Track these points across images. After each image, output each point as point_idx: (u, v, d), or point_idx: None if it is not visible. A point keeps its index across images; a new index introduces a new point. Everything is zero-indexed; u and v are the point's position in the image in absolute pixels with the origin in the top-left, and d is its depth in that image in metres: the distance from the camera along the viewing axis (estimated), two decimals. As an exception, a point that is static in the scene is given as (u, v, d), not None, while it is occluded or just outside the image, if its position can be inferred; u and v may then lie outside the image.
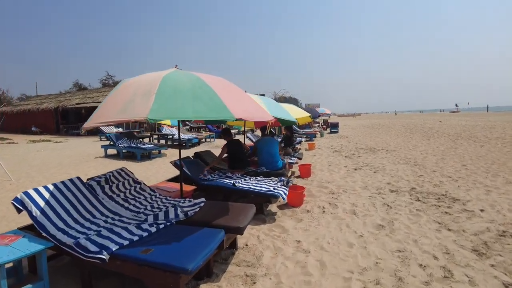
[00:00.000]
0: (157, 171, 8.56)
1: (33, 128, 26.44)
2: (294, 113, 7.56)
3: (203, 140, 16.51)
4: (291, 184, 5.55)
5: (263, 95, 37.17)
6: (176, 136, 14.46)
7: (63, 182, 3.60)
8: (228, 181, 4.90)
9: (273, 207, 5.01)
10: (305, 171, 7.29)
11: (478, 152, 10.22)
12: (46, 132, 26.74)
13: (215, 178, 5.08)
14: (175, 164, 5.27)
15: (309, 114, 8.23)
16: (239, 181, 4.89)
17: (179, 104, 2.76)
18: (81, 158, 11.30)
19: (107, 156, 11.53)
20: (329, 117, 64.34)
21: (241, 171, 5.66)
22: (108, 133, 15.22)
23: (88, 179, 4.04)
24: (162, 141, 15.11)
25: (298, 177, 7.34)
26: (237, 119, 2.84)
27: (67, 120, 28.56)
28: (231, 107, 2.87)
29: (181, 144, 14.04)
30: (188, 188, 4.76)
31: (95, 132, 22.07)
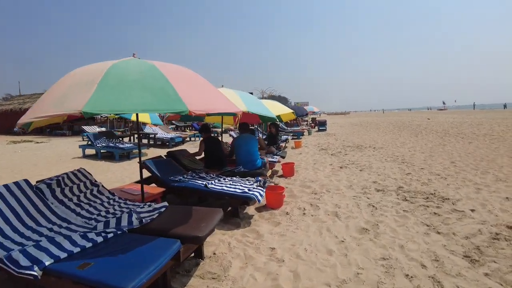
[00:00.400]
0: (134, 172, 8.09)
1: (15, 129, 25.47)
2: (277, 110, 7.19)
3: (188, 139, 16.03)
4: (270, 184, 5.17)
5: (251, 93, 36.84)
6: (159, 135, 13.96)
7: (5, 186, 3.15)
8: (200, 182, 4.48)
9: (250, 210, 4.61)
10: (288, 170, 6.92)
11: (466, 149, 10.00)
12: (30, 133, 25.81)
13: (186, 179, 4.65)
14: (142, 164, 4.83)
15: (292, 111, 7.87)
16: (213, 181, 4.48)
17: (122, 96, 2.36)
18: (58, 158, 10.74)
19: (85, 156, 10.99)
20: (319, 115, 64.55)
21: (217, 171, 5.26)
22: (85, 132, 14.61)
23: (37, 182, 3.59)
24: (145, 141, 14.59)
25: (281, 176, 6.97)
26: (193, 112, 2.43)
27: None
28: (186, 99, 2.46)
29: (164, 143, 13.64)
30: (155, 190, 4.33)
31: (78, 132, 21.38)
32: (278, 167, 7.46)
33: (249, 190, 4.08)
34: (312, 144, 13.50)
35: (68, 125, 24.90)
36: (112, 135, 12.07)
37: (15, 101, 32.80)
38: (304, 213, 4.41)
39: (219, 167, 5.34)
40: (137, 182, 4.99)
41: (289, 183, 6.32)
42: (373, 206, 4.64)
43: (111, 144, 10.76)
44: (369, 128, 23.08)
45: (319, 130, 22.46)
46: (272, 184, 5.56)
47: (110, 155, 10.68)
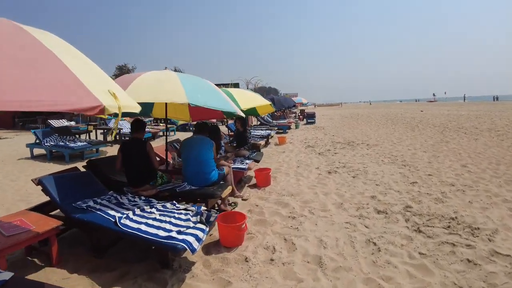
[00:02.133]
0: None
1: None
2: (249, 101, 5.64)
3: (160, 133, 14.36)
4: (226, 210, 3.69)
5: (237, 84, 34.91)
6: (125, 130, 12.26)
7: None
8: (114, 212, 2.94)
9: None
10: (263, 179, 5.42)
11: (474, 148, 8.63)
12: (2, 127, 23.58)
13: (96, 206, 3.09)
14: (38, 183, 3.26)
15: (269, 103, 6.32)
16: (132, 213, 2.92)
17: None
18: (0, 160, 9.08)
19: (33, 157, 9.31)
20: (314, 106, 62.83)
21: (151, 188, 3.70)
22: (33, 129, 12.79)
23: None
24: (109, 137, 12.88)
25: (254, 186, 5.49)
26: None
27: (27, 113, 25.30)
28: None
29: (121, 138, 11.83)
30: (44, 225, 2.78)
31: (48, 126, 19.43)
32: (250, 173, 5.95)
33: (179, 232, 2.54)
34: (298, 140, 12.01)
35: (43, 119, 22.59)
36: (67, 131, 10.34)
37: None
38: (271, 259, 2.91)
39: (141, 184, 3.74)
40: (32, 209, 3.43)
41: (262, 197, 4.84)
42: (374, 243, 3.17)
43: (60, 143, 9.07)
44: (360, 121, 21.70)
45: (307, 123, 20.98)
46: (230, 209, 4.08)
47: (62, 156, 9.03)
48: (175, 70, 68.09)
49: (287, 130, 15.59)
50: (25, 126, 23.05)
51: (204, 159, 3.81)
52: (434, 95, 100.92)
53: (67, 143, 9.10)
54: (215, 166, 3.93)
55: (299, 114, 27.53)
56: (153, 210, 2.99)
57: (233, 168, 5.06)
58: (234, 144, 6.47)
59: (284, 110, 23.77)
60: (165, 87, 3.20)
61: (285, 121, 18.48)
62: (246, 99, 5.60)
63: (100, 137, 12.68)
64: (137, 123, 3.80)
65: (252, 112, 6.86)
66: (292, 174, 6.34)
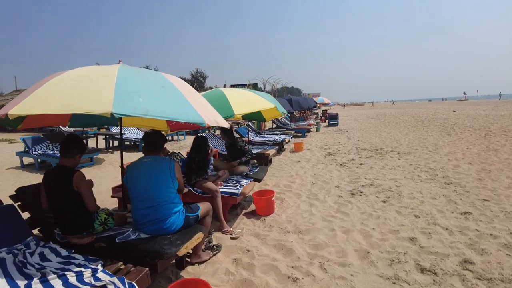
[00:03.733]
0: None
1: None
2: (242, 105, 4.39)
3: (169, 138, 13.40)
4: (213, 255, 2.52)
5: (256, 84, 33.58)
6: (128, 136, 11.32)
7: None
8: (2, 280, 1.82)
9: None
10: (263, 206, 4.20)
11: (533, 158, 7.04)
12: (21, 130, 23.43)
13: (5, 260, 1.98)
14: None
15: (273, 105, 5.02)
16: (29, 284, 1.79)
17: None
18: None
19: (23, 166, 8.50)
20: (332, 106, 60.54)
21: (90, 238, 2.53)
22: (21, 136, 12.01)
23: None
24: (115, 142, 12.00)
25: (252, 213, 4.28)
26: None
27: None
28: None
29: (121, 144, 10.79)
30: None
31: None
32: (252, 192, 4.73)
33: None
34: (317, 146, 10.66)
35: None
36: (60, 138, 9.47)
37: (10, 97, 30.79)
38: None
39: (76, 232, 2.57)
40: None
41: (259, 233, 3.63)
42: None
43: (49, 152, 8.20)
44: (387, 122, 19.97)
45: (329, 125, 19.48)
46: (206, 258, 2.91)
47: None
48: (197, 72, 66.28)
49: (306, 134, 14.24)
50: (42, 130, 22.76)
51: (157, 196, 2.55)
52: (465, 93, 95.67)
53: (56, 151, 8.21)
54: (179, 204, 2.67)
55: (321, 115, 26.02)
56: (58, 283, 1.84)
57: (222, 192, 3.87)
58: (227, 159, 5.23)
59: (305, 111, 22.35)
60: (88, 90, 2.04)
61: (305, 123, 17.10)
62: (244, 102, 4.38)
63: (102, 144, 11.79)
64: (67, 141, 2.59)
65: (255, 116, 5.67)
66: (304, 195, 5.08)
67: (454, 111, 27.75)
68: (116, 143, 12.03)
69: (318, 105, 31.21)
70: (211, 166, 4.37)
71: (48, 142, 8.97)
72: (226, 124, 2.78)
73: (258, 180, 4.68)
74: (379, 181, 5.76)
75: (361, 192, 5.12)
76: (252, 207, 4.49)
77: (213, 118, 2.51)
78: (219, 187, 3.98)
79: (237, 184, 4.13)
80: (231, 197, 3.85)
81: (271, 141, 9.27)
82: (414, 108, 41.00)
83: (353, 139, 12.13)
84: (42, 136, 9.17)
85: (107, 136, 11.49)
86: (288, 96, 16.21)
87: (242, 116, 5.89)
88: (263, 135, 10.58)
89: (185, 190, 3.88)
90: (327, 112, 25.20)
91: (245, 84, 30.65)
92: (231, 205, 4.03)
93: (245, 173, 4.66)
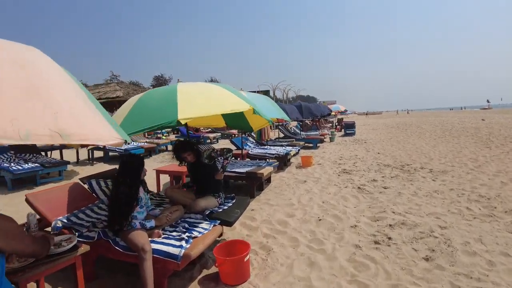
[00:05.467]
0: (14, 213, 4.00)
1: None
2: (195, 104, 2.80)
3: (163, 148, 11.89)
4: None
5: (268, 91, 32.05)
6: (108, 146, 9.85)
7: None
8: None
9: None
10: (231, 271, 2.57)
11: None
12: None
13: None
14: None
15: (248, 106, 3.30)
16: None
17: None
18: None
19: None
20: (348, 115, 57.92)
21: None
22: None
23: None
24: (100, 153, 10.58)
25: (214, 280, 2.66)
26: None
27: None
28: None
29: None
30: None
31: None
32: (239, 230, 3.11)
33: None
34: (330, 160, 8.94)
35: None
36: (29, 148, 8.07)
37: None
38: None
39: None
40: None
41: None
42: None
43: (4, 165, 6.78)
44: (409, 132, 17.95)
45: (345, 135, 17.66)
46: None
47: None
48: (211, 81, 67.64)
49: (318, 145, 12.49)
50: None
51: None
52: (488, 101, 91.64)
53: (11, 164, 6.80)
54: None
55: (336, 123, 24.18)
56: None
57: (155, 251, 2.28)
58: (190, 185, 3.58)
59: (318, 120, 20.56)
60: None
61: (317, 132, 15.36)
62: (201, 102, 2.76)
63: (84, 155, 10.38)
64: None
65: (238, 124, 4.08)
66: (304, 242, 3.42)
67: (483, 119, 25.40)
68: (100, 153, 10.61)
69: (333, 113, 29.39)
70: (146, 201, 2.75)
71: (12, 152, 7.60)
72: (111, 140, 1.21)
73: (229, 224, 3.01)
74: (413, 217, 4.05)
75: (389, 238, 3.44)
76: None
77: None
78: (155, 239, 2.39)
79: (186, 234, 2.51)
80: (170, 261, 2.25)
81: (273, 154, 7.65)
82: (435, 117, 38.49)
83: (372, 151, 10.35)
84: (8, 146, 7.80)
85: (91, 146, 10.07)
86: (298, 102, 14.53)
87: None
88: (265, 147, 8.91)
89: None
90: (343, 120, 23.35)
91: (255, 91, 29.18)
92: (172, 271, 2.41)
93: (208, 211, 3.03)
